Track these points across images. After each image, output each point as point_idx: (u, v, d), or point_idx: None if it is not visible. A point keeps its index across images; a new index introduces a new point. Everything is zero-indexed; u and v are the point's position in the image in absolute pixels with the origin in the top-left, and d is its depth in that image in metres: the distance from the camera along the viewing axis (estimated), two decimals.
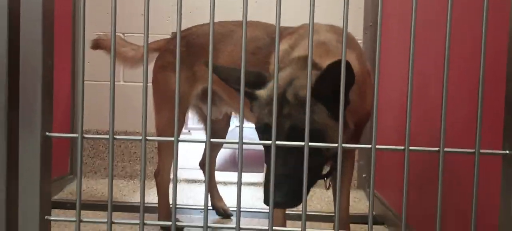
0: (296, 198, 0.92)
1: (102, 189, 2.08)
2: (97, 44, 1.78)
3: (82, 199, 2.05)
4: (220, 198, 1.80)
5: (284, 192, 0.89)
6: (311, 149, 0.95)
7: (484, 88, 0.66)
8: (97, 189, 2.08)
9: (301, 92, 0.97)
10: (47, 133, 0.67)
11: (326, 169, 1.11)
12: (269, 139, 0.98)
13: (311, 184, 1.01)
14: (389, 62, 1.80)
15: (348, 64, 0.86)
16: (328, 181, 1.18)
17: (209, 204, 1.86)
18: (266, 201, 0.88)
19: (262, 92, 1.01)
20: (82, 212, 1.81)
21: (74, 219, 0.65)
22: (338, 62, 0.84)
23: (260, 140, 0.94)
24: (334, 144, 1.03)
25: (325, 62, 0.97)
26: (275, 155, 0.96)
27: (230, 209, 1.80)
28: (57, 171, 1.98)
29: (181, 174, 2.32)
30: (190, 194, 2.01)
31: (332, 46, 1.12)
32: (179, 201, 1.89)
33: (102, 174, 2.27)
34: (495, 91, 0.92)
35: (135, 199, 1.99)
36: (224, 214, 1.77)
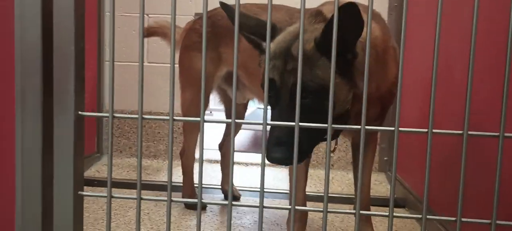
0: (300, 154, 0.89)
1: (127, 168, 2.14)
2: (149, 32, 1.83)
3: (106, 177, 2.12)
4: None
5: (285, 149, 0.88)
6: (315, 106, 0.93)
7: (511, 69, 0.65)
8: (122, 167, 2.14)
9: (306, 46, 0.94)
10: (79, 112, 0.70)
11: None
12: (273, 95, 0.97)
13: (314, 144, 0.98)
14: (413, 43, 1.78)
15: (354, 8, 0.83)
16: (334, 143, 1.16)
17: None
18: (268, 158, 0.90)
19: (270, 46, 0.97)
20: (106, 189, 1.87)
21: (105, 194, 0.68)
22: (344, 8, 0.80)
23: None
24: (340, 101, 1.01)
25: None
26: (278, 115, 0.96)
27: (249, 189, 1.83)
28: (85, 149, 2.04)
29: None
30: (212, 174, 2.05)
31: None
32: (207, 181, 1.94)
33: (127, 153, 2.34)
34: None
35: (159, 178, 2.04)
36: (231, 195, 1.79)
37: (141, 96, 0.69)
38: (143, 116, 0.70)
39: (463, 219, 0.68)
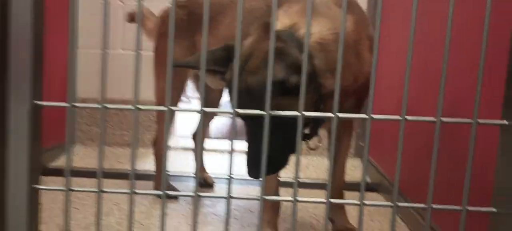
0: (273, 167, 0.98)
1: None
2: (132, 18, 1.79)
3: (79, 166, 2.05)
4: (204, 168, 1.79)
5: (258, 165, 0.89)
6: (280, 129, 0.92)
7: (486, 58, 0.64)
8: (94, 156, 2.08)
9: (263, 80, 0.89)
10: (35, 101, 0.66)
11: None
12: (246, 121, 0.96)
13: (290, 152, 1.00)
14: (391, 31, 1.77)
15: (291, 35, 0.90)
16: (310, 142, 1.15)
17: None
18: (249, 175, 0.96)
19: (228, 76, 0.95)
20: (78, 179, 1.82)
21: (63, 188, 0.65)
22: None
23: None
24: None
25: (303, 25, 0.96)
26: (248, 129, 0.96)
27: (222, 177, 1.81)
28: (55, 138, 1.97)
29: (178, 142, 2.32)
30: (187, 162, 2.02)
31: (323, 8, 1.07)
32: (175, 169, 1.90)
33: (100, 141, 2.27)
34: (497, 61, 0.91)
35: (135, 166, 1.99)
36: (204, 183, 1.77)
37: (103, 84, 0.65)
38: (107, 105, 0.66)
39: (434, 206, 0.68)
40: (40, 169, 0.68)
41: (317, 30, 0.99)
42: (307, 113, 0.65)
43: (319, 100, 1.00)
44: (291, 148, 0.98)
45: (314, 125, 1.10)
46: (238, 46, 0.63)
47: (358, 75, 1.09)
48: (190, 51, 1.49)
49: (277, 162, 0.99)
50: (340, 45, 0.63)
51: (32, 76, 0.66)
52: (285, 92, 0.87)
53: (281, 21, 1.03)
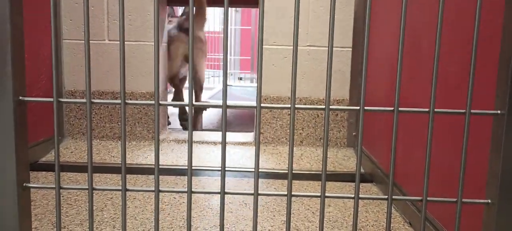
0: None
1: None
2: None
3: (70, 160, 2.03)
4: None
5: None
6: None
7: (478, 47, 0.63)
8: (85, 150, 2.06)
9: None
10: (20, 97, 0.64)
11: None
12: None
13: None
14: (381, 20, 1.76)
15: None
16: None
17: (195, 165, 1.86)
18: None
19: None
20: (69, 174, 1.79)
21: (53, 185, 0.63)
22: None
23: None
24: None
25: None
26: None
27: (216, 168, 1.80)
28: (44, 133, 1.94)
29: (170, 135, 2.30)
30: (179, 155, 2.00)
31: None
32: (169, 162, 1.89)
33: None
34: (489, 50, 0.90)
35: (132, 160, 1.98)
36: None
37: (88, 79, 0.63)
38: (94, 99, 0.65)
39: (429, 198, 0.67)
40: (28, 166, 0.66)
41: None
42: (334, 108, 0.63)
43: None
44: None
45: None
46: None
47: None
48: None
49: None
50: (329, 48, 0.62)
51: (14, 71, 0.63)
52: None
53: None
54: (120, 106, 0.63)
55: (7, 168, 0.63)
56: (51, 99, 0.64)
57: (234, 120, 3.49)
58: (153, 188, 0.66)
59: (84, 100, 0.63)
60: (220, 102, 0.64)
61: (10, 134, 0.62)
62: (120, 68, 0.62)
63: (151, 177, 1.75)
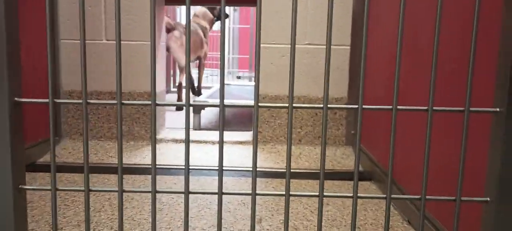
0: None
1: (89, 151, 2.05)
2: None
3: (68, 161, 2.02)
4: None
5: None
6: None
7: (477, 44, 0.63)
8: (83, 151, 2.05)
9: None
10: (16, 99, 0.63)
11: None
12: None
13: None
14: (379, 18, 1.76)
15: None
16: None
17: (193, 163, 1.85)
18: None
19: None
20: (67, 175, 1.78)
21: (49, 187, 0.63)
22: None
23: None
24: None
25: None
26: None
27: (214, 168, 1.80)
28: (42, 133, 1.94)
29: (168, 134, 2.30)
30: (178, 155, 2.00)
31: None
32: (166, 162, 1.88)
33: (88, 135, 2.24)
34: (488, 48, 0.90)
35: (130, 160, 1.97)
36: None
37: (84, 80, 0.62)
38: (90, 100, 0.64)
39: (428, 197, 0.67)
40: (24, 168, 0.65)
41: None
42: (331, 106, 0.63)
43: None
44: None
45: None
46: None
47: None
48: None
49: None
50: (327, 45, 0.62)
51: (10, 72, 0.63)
52: None
53: None
54: (117, 107, 0.62)
55: (2, 169, 0.63)
56: (47, 100, 0.63)
57: (233, 118, 3.48)
58: (150, 189, 0.65)
59: (80, 101, 0.63)
60: (218, 101, 0.63)
61: (6, 135, 0.62)
62: (116, 69, 0.61)
63: (149, 177, 1.74)
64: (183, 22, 4.91)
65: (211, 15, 4.27)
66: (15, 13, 0.62)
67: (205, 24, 4.22)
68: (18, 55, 0.64)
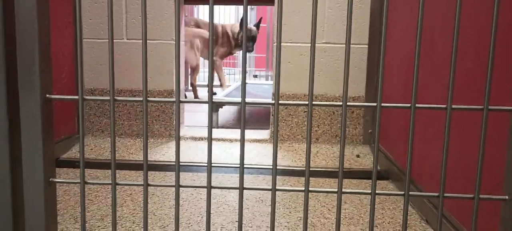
0: None
1: (110, 148, 2.10)
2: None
3: (90, 157, 2.08)
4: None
5: None
6: None
7: (495, 43, 0.63)
8: (105, 147, 2.10)
9: None
10: (47, 95, 0.66)
11: None
12: None
13: None
14: (397, 16, 1.75)
15: None
16: None
17: (215, 160, 1.88)
18: None
19: None
20: (89, 171, 1.84)
21: (78, 181, 0.65)
22: None
23: None
24: None
25: None
26: None
27: (233, 166, 1.83)
28: (65, 130, 1.99)
29: (187, 132, 2.33)
30: (197, 152, 2.03)
31: None
32: (186, 159, 1.91)
33: (109, 132, 2.29)
34: (505, 47, 0.89)
35: (142, 157, 2.01)
36: None
37: (112, 78, 0.65)
38: (117, 97, 0.67)
39: (446, 194, 0.67)
40: (54, 162, 0.68)
41: None
42: (351, 104, 0.64)
43: None
44: None
45: None
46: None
47: None
48: None
49: None
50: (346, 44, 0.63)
51: (41, 69, 0.66)
52: None
53: None
54: (140, 104, 0.65)
55: (34, 163, 0.66)
56: (76, 97, 0.66)
57: (250, 117, 3.50)
58: (172, 184, 0.67)
59: (107, 97, 0.65)
60: (237, 99, 0.65)
61: (38, 131, 0.65)
62: (142, 66, 0.64)
63: (169, 173, 1.78)
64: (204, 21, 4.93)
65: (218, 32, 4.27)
66: (47, 12, 0.66)
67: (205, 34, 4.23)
68: (49, 53, 0.67)
